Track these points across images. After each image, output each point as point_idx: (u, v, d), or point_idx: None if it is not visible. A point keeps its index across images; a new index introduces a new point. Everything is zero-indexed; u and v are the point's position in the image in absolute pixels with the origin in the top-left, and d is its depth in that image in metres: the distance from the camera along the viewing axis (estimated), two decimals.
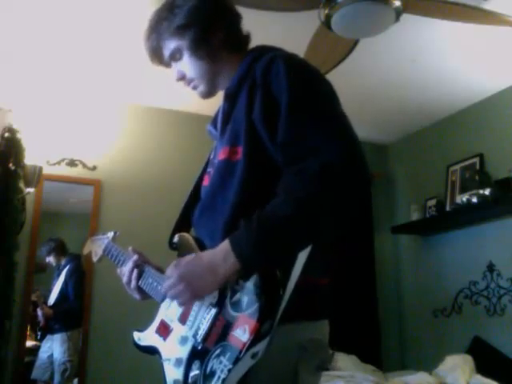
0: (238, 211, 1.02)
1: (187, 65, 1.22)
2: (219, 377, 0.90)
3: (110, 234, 1.53)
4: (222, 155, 1.12)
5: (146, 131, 3.63)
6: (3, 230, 2.83)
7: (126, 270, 1.33)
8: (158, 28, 1.22)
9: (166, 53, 1.24)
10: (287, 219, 0.91)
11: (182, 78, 1.25)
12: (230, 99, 1.16)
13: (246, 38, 1.27)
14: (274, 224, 0.92)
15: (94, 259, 1.56)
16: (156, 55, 1.27)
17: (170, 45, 1.22)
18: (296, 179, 0.94)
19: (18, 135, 2.98)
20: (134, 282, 1.30)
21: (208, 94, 1.26)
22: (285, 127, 0.99)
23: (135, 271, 1.30)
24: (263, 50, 1.19)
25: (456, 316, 3.59)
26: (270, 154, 1.03)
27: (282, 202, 0.93)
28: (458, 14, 2.25)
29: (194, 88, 1.26)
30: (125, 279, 1.33)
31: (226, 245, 0.96)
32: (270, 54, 1.10)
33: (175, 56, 1.23)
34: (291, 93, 1.00)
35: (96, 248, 1.56)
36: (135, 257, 1.33)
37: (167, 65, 1.29)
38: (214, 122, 1.30)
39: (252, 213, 0.95)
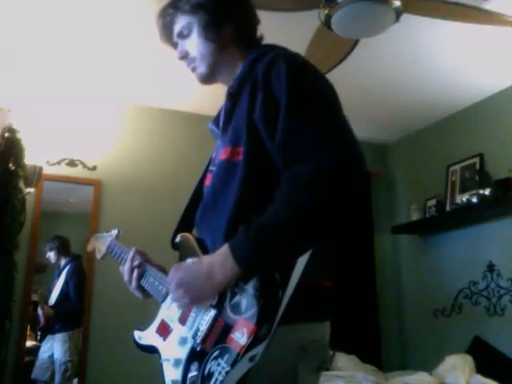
0: (240, 212, 1.02)
1: (193, 43, 1.22)
2: (217, 379, 0.90)
3: (114, 232, 1.54)
4: (223, 155, 1.11)
5: (146, 131, 3.63)
6: (3, 230, 2.83)
7: (125, 269, 1.33)
8: (176, 4, 1.23)
9: (177, 28, 1.25)
10: (284, 225, 0.92)
11: (185, 56, 1.25)
12: (233, 98, 1.16)
13: (258, 40, 1.27)
14: (271, 230, 0.92)
15: (98, 256, 1.57)
16: (166, 31, 1.27)
17: (183, 21, 1.23)
18: (291, 185, 0.94)
19: (18, 135, 2.98)
20: (134, 283, 1.30)
21: (206, 78, 1.25)
22: (282, 128, 0.99)
23: (135, 272, 1.30)
24: (266, 48, 1.18)
25: (456, 316, 3.59)
26: (271, 154, 1.03)
27: (279, 208, 0.93)
28: (458, 13, 2.25)
29: (194, 69, 1.25)
30: (125, 278, 1.33)
31: (225, 249, 0.96)
32: (272, 54, 1.10)
33: (184, 32, 1.23)
34: (290, 94, 1.00)
35: (100, 245, 1.57)
36: (131, 254, 1.32)
37: (174, 44, 1.29)
38: (216, 120, 1.29)
39: (253, 214, 0.95)
